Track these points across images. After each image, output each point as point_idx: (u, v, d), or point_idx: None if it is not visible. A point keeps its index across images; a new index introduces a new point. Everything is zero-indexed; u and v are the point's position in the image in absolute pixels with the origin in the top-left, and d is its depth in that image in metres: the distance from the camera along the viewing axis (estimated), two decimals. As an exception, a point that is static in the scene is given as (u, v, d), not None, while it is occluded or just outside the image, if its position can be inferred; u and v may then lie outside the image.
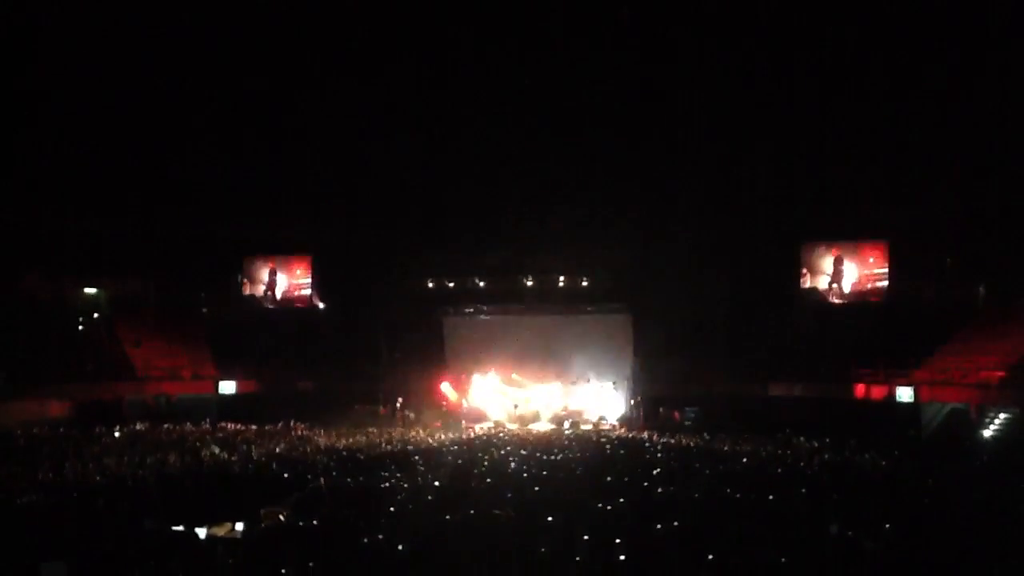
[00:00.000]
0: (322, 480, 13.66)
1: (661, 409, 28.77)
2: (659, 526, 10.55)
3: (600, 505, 11.80)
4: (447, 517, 10.88)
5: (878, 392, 26.62)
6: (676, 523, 10.72)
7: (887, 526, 10.58)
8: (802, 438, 22.03)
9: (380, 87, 30.98)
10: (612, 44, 30.04)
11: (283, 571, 8.66)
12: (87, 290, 32.81)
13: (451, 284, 33.41)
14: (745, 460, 18.41)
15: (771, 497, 12.82)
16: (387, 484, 13.99)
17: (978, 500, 13.18)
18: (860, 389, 27.17)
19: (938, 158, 29.22)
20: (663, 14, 29.13)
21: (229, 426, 24.91)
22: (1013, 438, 22.23)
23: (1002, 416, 23.27)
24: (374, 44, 30.01)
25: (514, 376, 31.45)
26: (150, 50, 29.00)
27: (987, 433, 23.29)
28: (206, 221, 33.67)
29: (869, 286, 31.52)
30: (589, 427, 28.25)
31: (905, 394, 25.74)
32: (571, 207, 31.43)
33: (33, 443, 20.02)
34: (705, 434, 24.38)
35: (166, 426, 24.31)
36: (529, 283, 33.00)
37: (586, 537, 9.89)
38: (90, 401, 27.14)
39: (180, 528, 10.37)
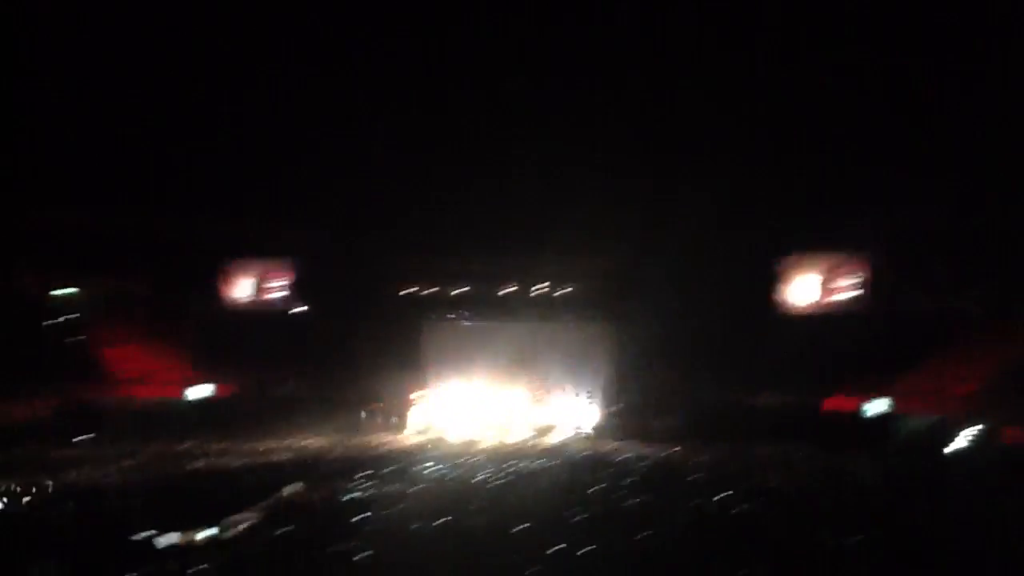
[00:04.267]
0: (294, 487, 13.62)
1: (642, 418, 28.74)
2: (632, 536, 10.59)
3: (571, 514, 11.82)
4: (417, 526, 10.87)
5: (854, 403, 26.73)
6: (649, 533, 10.76)
7: (861, 536, 10.64)
8: (779, 447, 22.12)
9: (366, 91, 30.96)
10: (597, 51, 30.17)
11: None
12: (66, 291, 32.46)
13: (431, 290, 33.29)
14: (720, 469, 18.45)
15: (746, 506, 12.88)
16: (359, 491, 13.95)
17: (949, 508, 13.29)
18: (837, 400, 27.28)
19: (919, 175, 29.44)
20: (650, 26, 29.30)
21: (205, 430, 24.73)
22: (983, 451, 22.42)
23: (973, 430, 23.43)
24: (361, 48, 30.03)
25: (490, 384, 31.32)
26: (137, 48, 28.92)
27: (958, 446, 23.45)
28: (189, 223, 33.51)
29: (847, 299, 31.61)
30: (565, 437, 28.20)
31: (881, 406, 25.88)
32: (554, 215, 31.41)
33: (6, 446, 19.86)
34: (683, 444, 24.39)
35: (142, 430, 24.14)
36: (510, 290, 32.91)
37: (557, 547, 9.90)
38: (67, 404, 26.87)
39: (151, 534, 10.31)
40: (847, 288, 31.67)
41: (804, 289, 32.16)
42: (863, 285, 31.30)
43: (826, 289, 31.84)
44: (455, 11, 29.03)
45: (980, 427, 23.25)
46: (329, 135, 31.46)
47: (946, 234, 28.95)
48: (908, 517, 12.82)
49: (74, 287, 32.45)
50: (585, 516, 11.82)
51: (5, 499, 12.98)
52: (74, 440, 21.52)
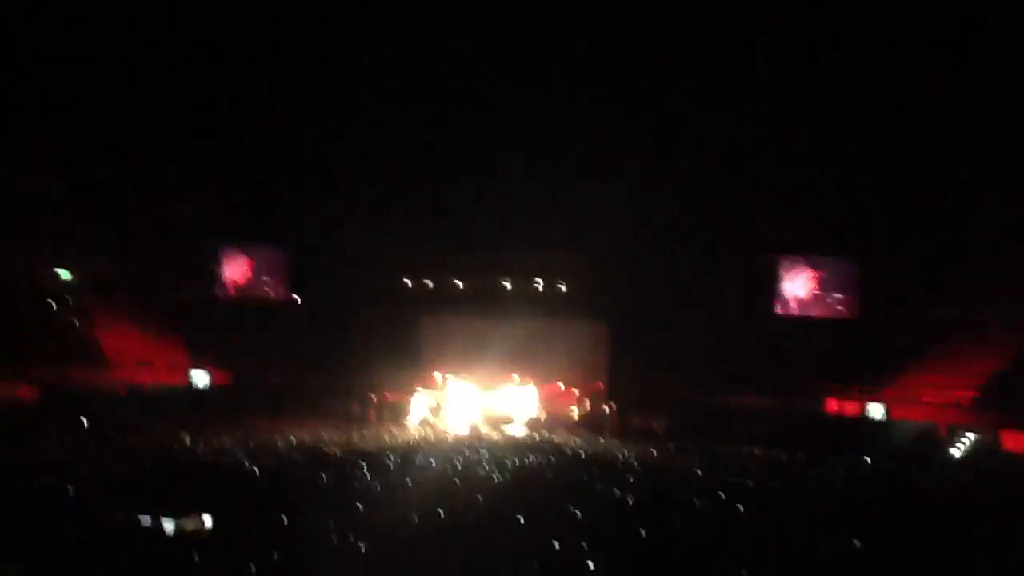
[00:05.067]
0: (295, 477, 13.60)
1: (635, 418, 28.76)
2: (630, 532, 10.60)
3: (569, 511, 11.81)
4: (416, 519, 10.85)
5: (849, 408, 26.80)
6: (645, 530, 10.76)
7: (856, 540, 10.65)
8: (772, 450, 22.18)
9: (364, 80, 30.98)
10: (592, 50, 30.26)
11: (250, 566, 8.59)
12: (59, 272, 32.34)
13: (429, 284, 33.28)
14: (714, 470, 18.47)
15: (740, 508, 12.90)
16: (357, 482, 13.92)
17: (945, 516, 13.33)
18: (832, 404, 27.34)
19: (912, 177, 29.57)
20: (643, 23, 29.39)
21: (200, 418, 24.67)
22: (980, 457, 22.50)
23: (970, 436, 23.52)
24: (361, 36, 30.03)
25: (488, 379, 31.29)
26: (130, 32, 28.88)
27: (956, 452, 23.54)
28: (184, 207, 33.49)
29: (843, 301, 31.71)
30: (561, 433, 28.16)
31: (876, 411, 25.93)
32: (552, 211, 31.47)
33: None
34: (676, 443, 24.44)
35: (136, 415, 24.07)
36: (508, 286, 32.94)
37: (555, 542, 9.90)
38: (59, 386, 26.74)
39: (147, 518, 10.27)
40: (841, 291, 31.79)
41: (798, 291, 32.29)
42: (857, 288, 31.43)
43: (820, 291, 31.97)
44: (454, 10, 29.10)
45: (976, 433, 23.35)
46: (328, 124, 31.48)
47: (941, 237, 29.11)
48: (903, 523, 12.84)
49: (68, 270, 32.38)
50: (582, 512, 11.81)
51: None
52: (64, 422, 21.31)
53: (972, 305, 28.55)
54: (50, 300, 30.93)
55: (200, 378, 29.37)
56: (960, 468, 21.98)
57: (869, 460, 21.27)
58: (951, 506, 14.79)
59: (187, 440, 19.49)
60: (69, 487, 12.07)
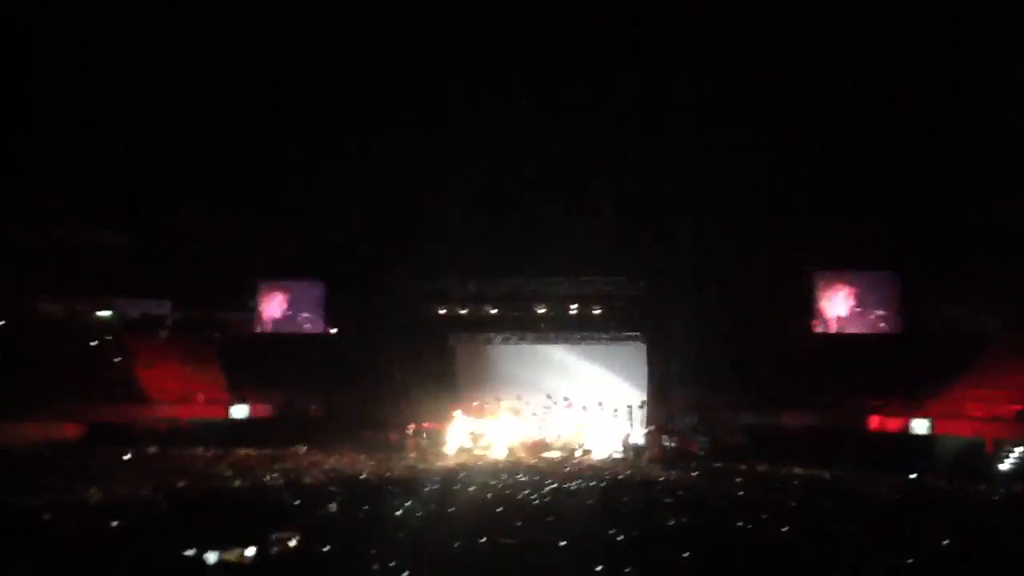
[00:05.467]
0: (332, 506, 13.62)
1: (674, 439, 28.53)
2: (671, 556, 10.49)
3: (611, 533, 11.73)
4: (457, 544, 10.82)
5: (893, 424, 26.39)
6: (687, 554, 10.64)
7: (904, 560, 10.47)
8: (816, 469, 21.90)
9: (399, 112, 31.24)
10: (620, 68, 30.26)
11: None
12: (101, 313, 32.94)
13: (463, 311, 33.36)
14: (758, 491, 18.27)
15: (784, 529, 12.72)
16: (398, 511, 13.92)
17: (994, 533, 13.04)
18: (874, 420, 26.95)
19: (954, 188, 29.22)
20: (670, 38, 29.37)
21: (240, 451, 24.90)
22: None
23: (1018, 450, 23.06)
24: (394, 65, 30.32)
25: (526, 404, 31.25)
26: (167, 67, 29.37)
27: (1003, 467, 23.07)
28: (222, 243, 33.97)
29: (883, 316, 31.35)
30: (601, 456, 28.04)
31: (920, 426, 25.52)
32: (585, 234, 31.46)
33: (42, 463, 20.07)
34: (717, 464, 24.21)
35: (177, 450, 24.36)
36: (541, 311, 32.92)
37: (598, 568, 9.83)
38: (101, 423, 27.17)
39: (190, 552, 10.33)
40: (882, 306, 31.42)
41: (838, 307, 31.96)
42: (899, 302, 31.06)
43: (861, 307, 31.62)
44: (478, 36, 29.26)
45: (1024, 448, 22.92)
46: (362, 157, 31.75)
47: (986, 248, 28.68)
48: (952, 542, 12.59)
49: (107, 309, 32.97)
50: (623, 536, 11.71)
51: (46, 516, 13.07)
52: (109, 458, 21.62)
53: (1016, 316, 28.09)
54: (93, 340, 31.50)
55: (239, 411, 29.63)
56: (1009, 482, 21.53)
57: (915, 477, 20.94)
58: (1001, 522, 14.49)
59: (227, 472, 19.62)
60: (113, 522, 12.19)
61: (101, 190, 31.97)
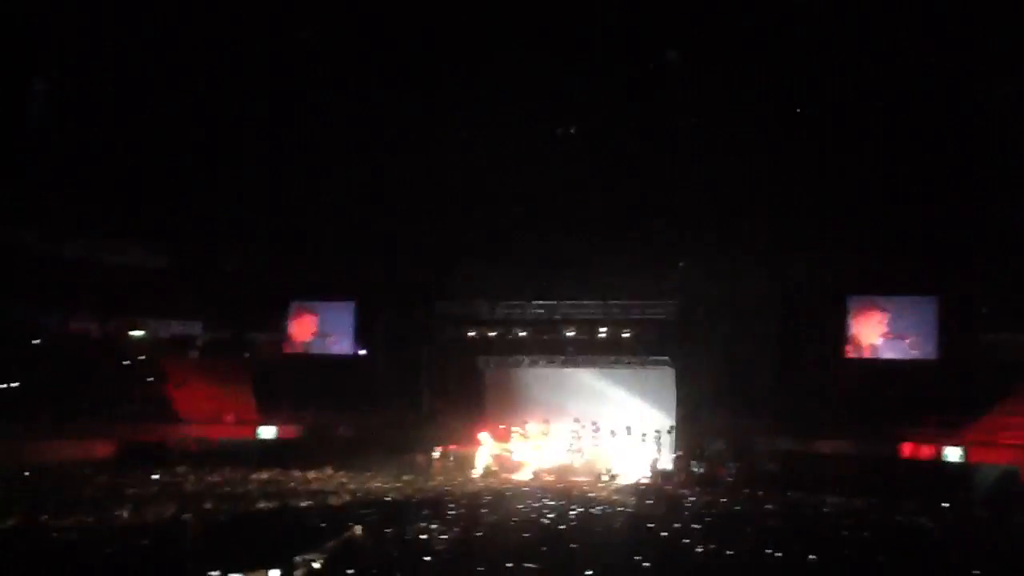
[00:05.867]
0: (359, 528, 13.62)
1: (703, 464, 28.27)
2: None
3: (637, 561, 11.64)
4: (483, 569, 10.79)
5: (926, 452, 25.94)
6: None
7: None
8: (847, 497, 21.60)
9: (423, 132, 31.41)
10: (650, 91, 30.25)
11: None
12: (134, 333, 33.31)
13: (492, 334, 33.33)
14: (788, 519, 18.06)
15: (814, 557, 12.56)
16: (424, 534, 13.90)
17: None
18: (907, 448, 26.53)
19: (990, 214, 28.87)
20: (700, 59, 29.31)
21: (268, 471, 25.01)
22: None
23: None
24: (419, 85, 30.50)
25: (554, 427, 31.17)
26: (201, 91, 29.74)
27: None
28: (254, 264, 34.30)
29: (917, 342, 30.95)
30: (629, 481, 27.86)
31: (954, 454, 25.08)
32: (613, 258, 31.39)
33: (73, 482, 20.28)
34: (746, 491, 23.96)
35: (206, 469, 24.50)
36: (570, 334, 32.81)
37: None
38: (133, 442, 27.43)
39: (216, 574, 10.37)
40: (915, 331, 31.02)
41: (871, 333, 31.58)
42: (932, 328, 30.63)
43: (893, 333, 31.24)
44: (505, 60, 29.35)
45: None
46: (388, 180, 31.93)
47: (1016, 273, 28.29)
48: (988, 572, 12.38)
49: (139, 329, 33.34)
50: (651, 563, 11.62)
51: (73, 535, 13.19)
52: (139, 478, 21.79)
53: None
54: (125, 360, 31.85)
55: (268, 432, 29.76)
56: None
57: (948, 506, 20.60)
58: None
59: (254, 493, 19.70)
60: (143, 541, 12.29)
61: (135, 209, 32.38)
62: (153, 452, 26.83)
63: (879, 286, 31.70)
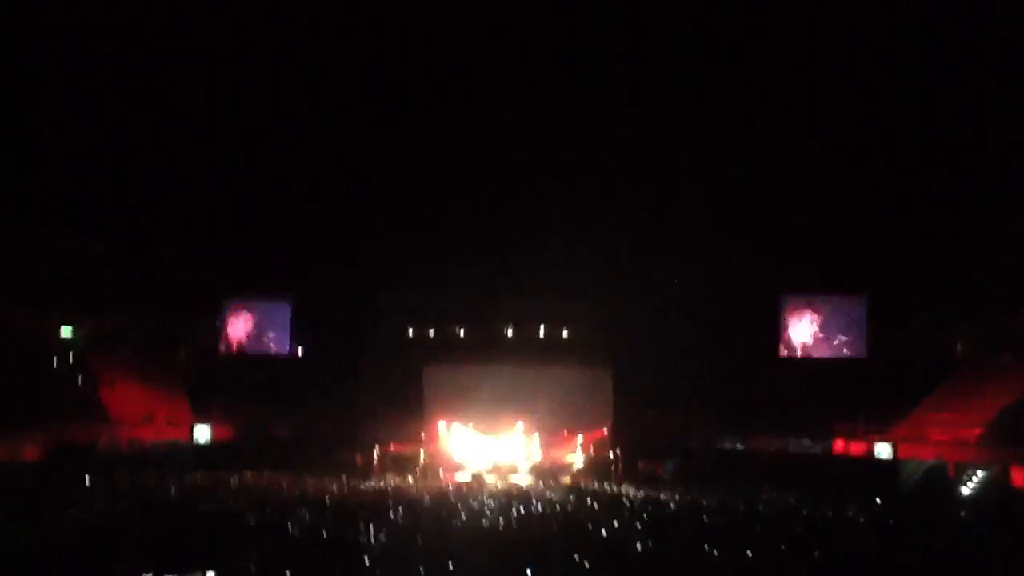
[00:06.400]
0: (294, 529, 13.47)
1: (641, 463, 28.56)
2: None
3: (577, 559, 11.67)
4: (423, 569, 10.73)
5: (857, 448, 26.58)
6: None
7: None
8: (782, 493, 21.97)
9: (365, 128, 31.23)
10: (599, 88, 30.50)
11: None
12: (63, 329, 32.30)
13: (431, 332, 33.23)
14: (723, 515, 18.28)
15: (750, 553, 12.73)
16: (362, 534, 13.77)
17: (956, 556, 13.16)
18: (839, 445, 27.14)
19: (917, 213, 29.63)
20: (652, 60, 29.63)
21: (202, 472, 24.56)
22: (990, 495, 22.25)
23: (979, 473, 23.30)
24: (361, 84, 30.34)
25: (492, 427, 31.13)
26: (148, 79, 29.22)
27: (965, 490, 23.30)
28: (187, 263, 33.66)
29: (848, 341, 31.66)
30: (567, 480, 27.96)
31: (884, 451, 25.71)
32: (553, 256, 31.57)
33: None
34: (683, 488, 24.21)
35: (138, 471, 23.96)
36: (509, 333, 32.88)
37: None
38: (62, 444, 26.63)
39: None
40: (846, 330, 31.73)
41: (803, 332, 32.24)
42: (863, 327, 31.36)
43: (825, 332, 31.92)
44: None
45: (986, 470, 23.12)
46: (329, 177, 31.67)
47: (950, 274, 29.07)
48: (917, 564, 12.69)
49: (70, 325, 32.36)
50: (591, 561, 11.66)
51: (4, 540, 12.81)
52: (68, 479, 21.21)
53: (979, 341, 28.49)
54: (53, 357, 30.93)
55: (202, 433, 29.19)
56: (970, 506, 21.74)
57: (879, 500, 21.06)
58: (961, 545, 14.61)
59: (188, 495, 19.34)
60: (74, 543, 11.99)
61: (65, 206, 31.56)
62: (84, 454, 26.10)
63: (812, 285, 32.37)
